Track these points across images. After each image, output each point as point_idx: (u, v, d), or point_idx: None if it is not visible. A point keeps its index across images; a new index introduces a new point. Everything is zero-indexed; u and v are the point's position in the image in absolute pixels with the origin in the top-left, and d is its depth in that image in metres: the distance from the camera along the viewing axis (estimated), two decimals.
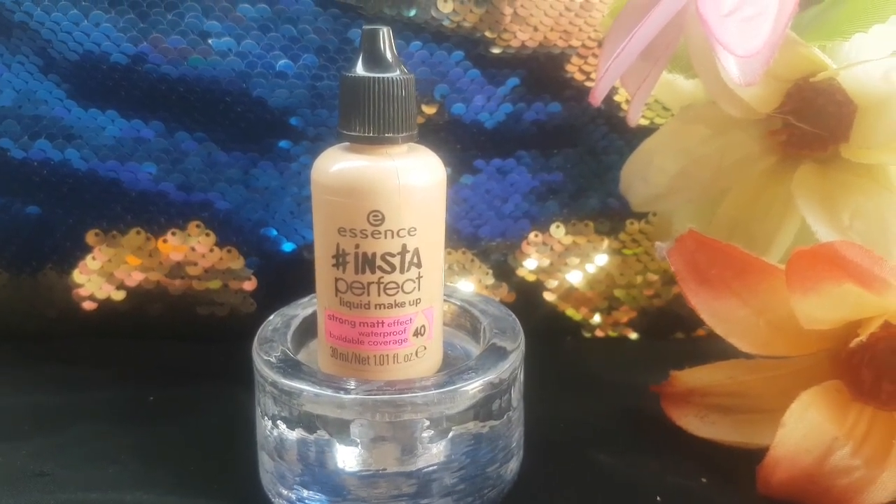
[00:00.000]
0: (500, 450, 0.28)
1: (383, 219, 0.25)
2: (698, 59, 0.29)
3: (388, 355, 0.27)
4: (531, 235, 0.42)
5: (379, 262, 0.26)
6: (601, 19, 0.38)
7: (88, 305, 0.41)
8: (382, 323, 0.26)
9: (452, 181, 0.40)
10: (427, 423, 0.26)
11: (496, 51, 0.38)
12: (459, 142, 0.40)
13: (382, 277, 0.26)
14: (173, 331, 0.41)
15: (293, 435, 0.26)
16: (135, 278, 0.40)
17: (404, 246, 0.26)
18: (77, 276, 0.40)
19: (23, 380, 0.37)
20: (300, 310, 0.31)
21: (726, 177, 0.34)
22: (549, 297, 0.43)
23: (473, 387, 0.26)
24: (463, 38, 0.38)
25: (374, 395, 0.25)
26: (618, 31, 0.30)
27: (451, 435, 0.26)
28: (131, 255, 0.40)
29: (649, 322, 0.44)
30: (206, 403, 0.35)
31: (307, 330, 0.30)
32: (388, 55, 0.25)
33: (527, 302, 0.43)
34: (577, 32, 0.38)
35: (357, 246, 0.26)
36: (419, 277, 0.26)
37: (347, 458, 0.26)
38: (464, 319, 0.32)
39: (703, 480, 0.30)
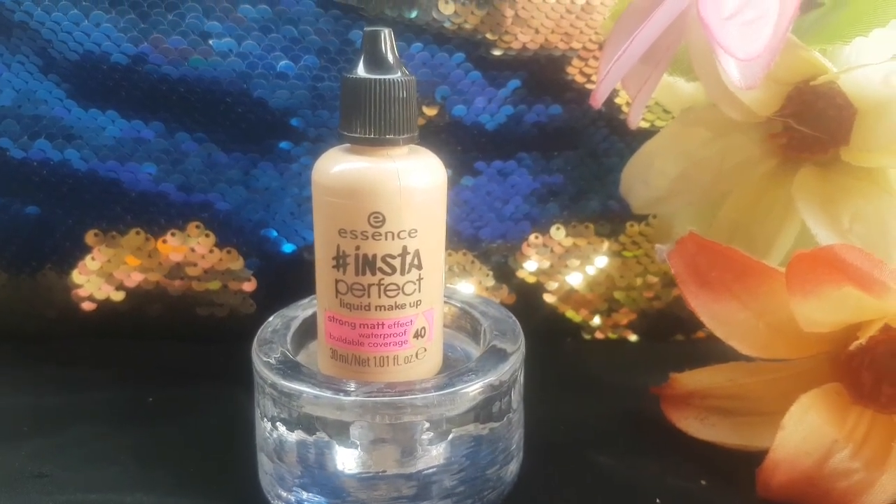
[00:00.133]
0: (500, 452, 0.28)
1: (384, 220, 0.25)
2: (699, 62, 0.29)
3: (388, 357, 0.27)
4: (531, 237, 0.42)
5: (379, 263, 0.26)
6: (602, 22, 0.38)
7: (88, 306, 0.41)
8: (383, 325, 0.26)
9: (453, 183, 0.40)
10: (427, 425, 0.26)
11: (497, 53, 0.38)
12: (460, 143, 0.40)
13: (383, 279, 0.26)
14: (173, 331, 0.41)
15: (293, 437, 0.26)
16: (134, 279, 0.40)
17: (405, 248, 0.26)
18: (76, 276, 0.40)
19: (22, 380, 0.37)
20: (300, 311, 0.31)
21: (727, 180, 0.34)
22: (549, 298, 0.43)
23: (474, 389, 0.26)
24: (464, 39, 0.38)
25: (374, 396, 0.25)
26: (619, 34, 0.30)
27: (451, 437, 0.26)
28: (131, 256, 0.40)
29: (649, 324, 0.44)
30: (205, 404, 0.35)
31: (307, 331, 0.30)
32: (390, 57, 0.25)
33: (527, 304, 0.43)
34: (578, 35, 0.38)
35: (358, 247, 0.26)
36: (420, 279, 0.26)
37: (347, 460, 0.26)
38: (464, 321, 0.32)
39: (703, 483, 0.30)
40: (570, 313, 0.43)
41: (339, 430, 0.25)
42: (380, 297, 0.26)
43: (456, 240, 0.41)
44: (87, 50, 0.36)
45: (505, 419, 0.27)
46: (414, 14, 0.37)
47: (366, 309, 0.26)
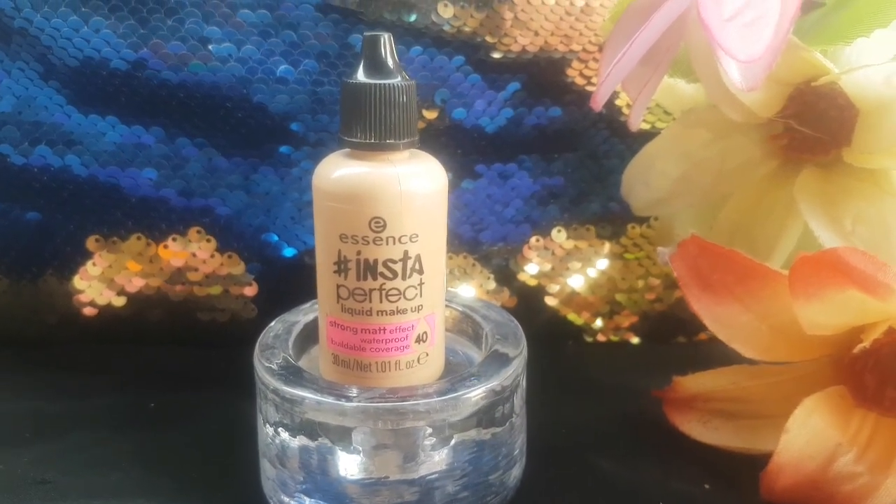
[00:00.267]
0: (502, 457, 0.27)
1: (385, 225, 0.25)
2: (699, 64, 0.29)
3: (390, 362, 0.27)
4: (532, 240, 0.42)
5: (381, 268, 0.26)
6: (602, 24, 0.38)
7: (89, 311, 0.41)
8: (384, 329, 0.26)
9: (453, 186, 0.40)
10: (429, 430, 0.25)
11: (497, 55, 0.38)
12: (460, 146, 0.39)
13: (384, 284, 0.26)
14: (174, 336, 0.41)
15: (295, 442, 0.26)
16: (135, 284, 0.40)
17: (406, 252, 0.26)
18: (77, 281, 0.40)
19: (23, 386, 0.37)
20: (301, 316, 0.31)
21: (728, 181, 0.34)
22: (550, 301, 0.43)
23: (476, 394, 0.26)
24: (463, 42, 0.38)
25: (376, 402, 0.25)
26: (619, 36, 0.30)
27: (453, 442, 0.26)
28: (132, 261, 0.40)
29: (651, 326, 0.44)
30: (206, 409, 0.35)
31: (308, 336, 0.30)
32: (390, 61, 0.25)
33: (528, 307, 0.42)
34: (577, 37, 0.38)
35: (359, 252, 0.25)
36: (421, 284, 0.26)
37: (349, 465, 0.26)
38: (465, 325, 0.32)
39: (706, 486, 0.30)
40: (571, 316, 0.43)
41: (342, 436, 0.25)
42: (381, 301, 0.26)
43: (456, 243, 0.41)
44: (87, 56, 0.36)
45: (507, 424, 0.27)
46: (413, 17, 0.37)
47: (367, 314, 0.26)
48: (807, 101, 0.31)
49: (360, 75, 0.25)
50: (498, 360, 0.28)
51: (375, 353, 0.26)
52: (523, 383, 0.29)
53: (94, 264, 0.40)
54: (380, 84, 0.25)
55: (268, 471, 0.27)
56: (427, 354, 0.27)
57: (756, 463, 0.29)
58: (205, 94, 0.37)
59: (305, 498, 0.26)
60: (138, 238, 0.40)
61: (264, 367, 0.27)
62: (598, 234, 0.42)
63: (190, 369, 0.39)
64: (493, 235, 0.41)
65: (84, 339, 0.41)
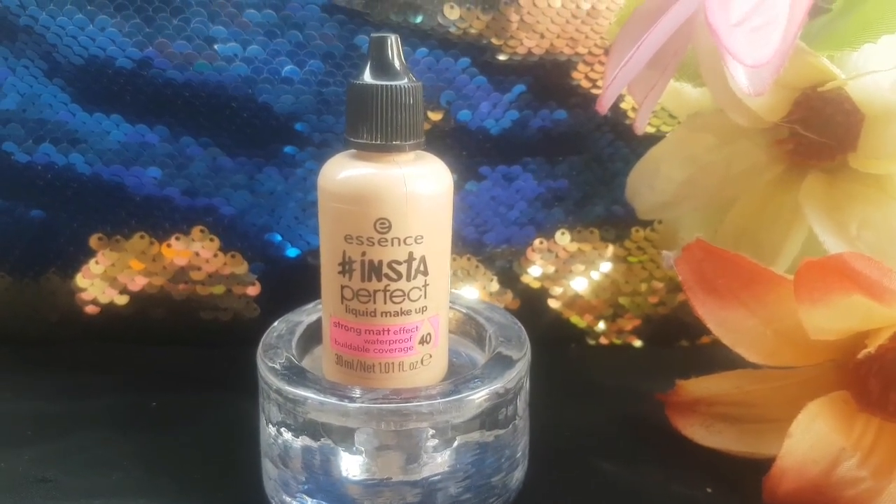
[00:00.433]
0: (505, 459, 0.27)
1: (390, 226, 0.25)
2: (706, 68, 0.29)
3: (393, 363, 0.27)
4: (536, 242, 0.42)
5: (385, 269, 0.26)
6: (608, 27, 0.38)
7: (91, 310, 0.41)
8: (388, 331, 0.26)
9: (458, 187, 0.40)
10: (432, 431, 0.25)
11: (502, 57, 0.38)
12: (465, 148, 0.39)
13: (389, 285, 0.26)
14: (176, 336, 0.41)
15: (298, 442, 0.26)
16: (138, 283, 0.40)
17: (411, 254, 0.26)
18: (80, 280, 0.40)
19: (24, 385, 0.37)
20: (304, 316, 0.31)
21: (733, 185, 0.34)
22: (553, 304, 0.43)
23: (479, 396, 0.26)
24: (469, 44, 0.38)
25: (380, 403, 0.25)
26: (625, 39, 0.30)
27: (456, 444, 0.26)
28: (135, 260, 0.40)
29: (654, 330, 0.44)
30: (209, 409, 0.35)
31: (312, 336, 0.30)
32: (396, 63, 0.25)
33: (531, 309, 0.42)
34: (583, 40, 0.38)
35: (363, 253, 0.25)
36: (425, 285, 0.26)
37: (352, 466, 0.26)
38: (469, 327, 0.32)
39: (709, 490, 0.30)
40: (574, 318, 0.43)
41: (344, 437, 0.25)
42: (385, 303, 0.26)
43: (460, 244, 0.41)
44: (92, 54, 0.36)
45: (510, 426, 0.27)
46: (419, 19, 0.37)
47: (371, 315, 0.26)
48: (813, 106, 0.31)
49: (367, 76, 0.25)
50: (502, 363, 0.28)
51: (379, 354, 0.26)
52: (526, 386, 0.29)
53: (96, 263, 0.40)
54: (387, 85, 0.25)
55: (270, 471, 0.27)
56: (431, 356, 0.27)
57: (759, 467, 0.29)
58: (210, 94, 0.37)
59: (307, 498, 0.26)
60: (141, 237, 0.40)
61: (267, 367, 0.27)
62: (602, 236, 0.42)
63: (192, 369, 0.39)
64: (497, 237, 0.41)
65: (86, 337, 0.41)
